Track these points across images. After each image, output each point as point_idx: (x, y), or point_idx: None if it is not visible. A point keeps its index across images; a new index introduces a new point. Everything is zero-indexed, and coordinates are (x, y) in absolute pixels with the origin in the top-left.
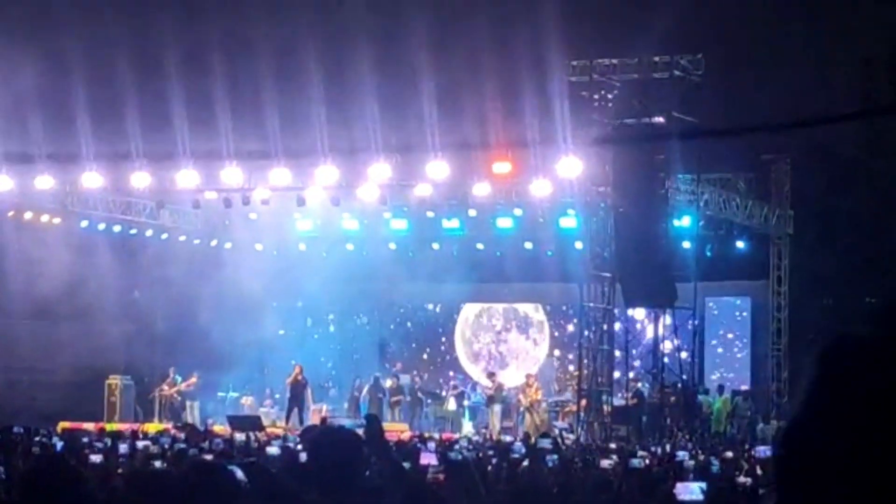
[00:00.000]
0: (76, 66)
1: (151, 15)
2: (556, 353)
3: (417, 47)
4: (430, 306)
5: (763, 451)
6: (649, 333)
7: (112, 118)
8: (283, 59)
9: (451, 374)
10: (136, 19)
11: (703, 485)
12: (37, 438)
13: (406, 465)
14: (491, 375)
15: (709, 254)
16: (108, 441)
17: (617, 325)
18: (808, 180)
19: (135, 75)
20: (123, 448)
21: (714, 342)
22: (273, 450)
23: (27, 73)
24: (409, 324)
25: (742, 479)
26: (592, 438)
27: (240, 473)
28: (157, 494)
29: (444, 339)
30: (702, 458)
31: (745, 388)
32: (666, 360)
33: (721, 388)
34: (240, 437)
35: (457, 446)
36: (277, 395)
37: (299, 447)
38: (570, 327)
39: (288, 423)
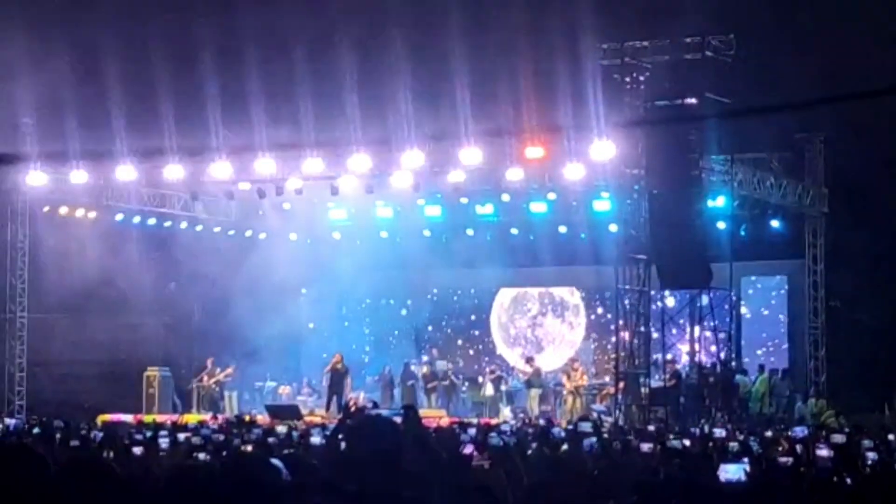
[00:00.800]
0: (110, 59)
1: (185, 7)
2: (593, 336)
3: (449, 33)
4: (465, 292)
5: (800, 430)
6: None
7: (145, 112)
8: (316, 48)
9: (486, 359)
10: (169, 12)
11: (746, 466)
12: (77, 437)
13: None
14: (529, 360)
15: (743, 234)
16: (151, 433)
17: (658, 304)
18: (842, 158)
19: (168, 68)
20: (164, 441)
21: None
22: (316, 439)
23: (61, 67)
24: (444, 310)
25: (783, 458)
26: (631, 421)
27: (281, 465)
28: (200, 487)
29: (479, 325)
30: (741, 438)
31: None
32: (708, 334)
33: (762, 368)
34: (281, 428)
35: (495, 431)
36: (314, 383)
37: (339, 436)
38: (602, 311)
39: (328, 412)
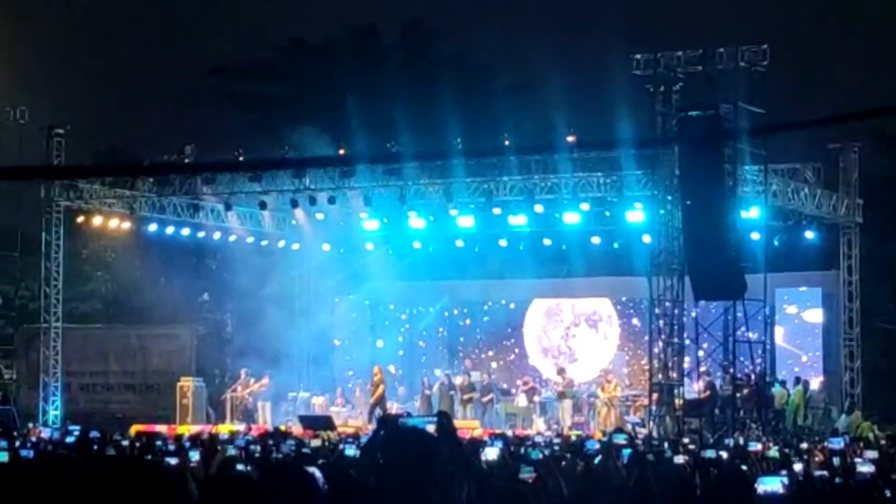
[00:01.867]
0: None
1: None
2: (627, 347)
3: (488, 48)
4: (498, 303)
5: (837, 442)
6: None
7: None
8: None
9: (515, 369)
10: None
11: (785, 478)
12: (113, 447)
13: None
14: (561, 371)
15: (777, 244)
16: (188, 443)
17: (693, 313)
18: (876, 168)
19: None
20: (195, 454)
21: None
22: (350, 451)
23: (94, 79)
24: (477, 321)
25: (819, 472)
26: (665, 432)
27: (318, 474)
28: (237, 497)
29: (512, 336)
30: (775, 449)
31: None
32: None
33: (798, 379)
34: (316, 441)
35: (529, 442)
36: (347, 394)
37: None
38: (639, 321)
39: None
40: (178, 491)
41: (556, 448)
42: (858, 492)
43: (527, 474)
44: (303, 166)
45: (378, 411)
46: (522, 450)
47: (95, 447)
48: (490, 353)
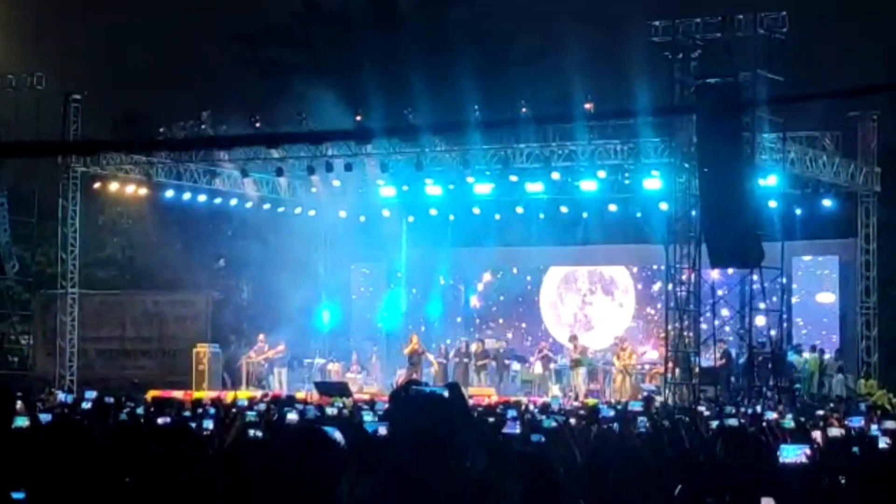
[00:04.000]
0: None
1: None
2: (643, 314)
3: (505, 15)
4: (515, 270)
5: (856, 419)
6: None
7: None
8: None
9: (530, 339)
10: None
11: (807, 447)
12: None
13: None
14: (573, 338)
15: (796, 212)
16: (212, 409)
17: (710, 281)
18: (895, 136)
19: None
20: (209, 422)
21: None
22: (367, 416)
23: (110, 44)
24: (493, 288)
25: (835, 432)
26: (681, 400)
27: (338, 435)
28: (258, 462)
29: (528, 303)
30: (790, 417)
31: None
32: (760, 318)
33: (813, 348)
34: (331, 409)
35: (545, 412)
36: (363, 360)
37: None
38: (656, 288)
39: None
40: (201, 455)
41: (581, 412)
42: (879, 461)
43: (536, 439)
44: (321, 141)
45: (396, 380)
46: (538, 416)
47: (111, 414)
48: (505, 321)
